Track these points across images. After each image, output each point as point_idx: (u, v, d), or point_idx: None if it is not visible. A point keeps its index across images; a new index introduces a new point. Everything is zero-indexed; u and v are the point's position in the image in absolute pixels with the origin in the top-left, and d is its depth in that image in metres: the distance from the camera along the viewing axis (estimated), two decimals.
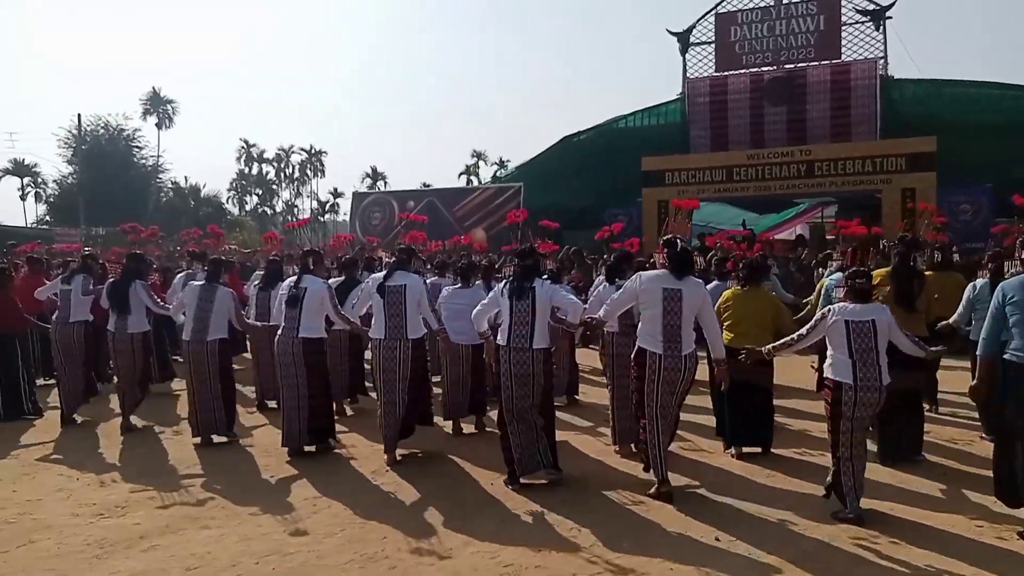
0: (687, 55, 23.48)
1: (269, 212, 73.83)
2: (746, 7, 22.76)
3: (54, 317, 8.48)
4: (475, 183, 68.11)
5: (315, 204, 79.26)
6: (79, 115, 44.36)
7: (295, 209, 78.05)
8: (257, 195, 74.60)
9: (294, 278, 7.12)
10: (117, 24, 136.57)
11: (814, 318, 5.39)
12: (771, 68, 22.64)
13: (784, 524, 5.11)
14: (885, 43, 21.66)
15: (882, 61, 21.73)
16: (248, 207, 73.50)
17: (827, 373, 5.25)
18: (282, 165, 77.03)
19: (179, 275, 10.54)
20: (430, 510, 5.52)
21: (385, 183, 79.02)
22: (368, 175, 79.60)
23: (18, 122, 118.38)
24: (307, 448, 6.95)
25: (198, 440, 7.34)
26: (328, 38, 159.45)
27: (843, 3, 21.82)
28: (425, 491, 5.93)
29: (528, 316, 5.90)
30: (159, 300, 8.04)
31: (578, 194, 23.99)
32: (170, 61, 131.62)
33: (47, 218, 48.80)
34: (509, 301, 5.97)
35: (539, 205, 24.23)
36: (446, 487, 6.04)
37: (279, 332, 6.97)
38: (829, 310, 5.28)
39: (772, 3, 22.43)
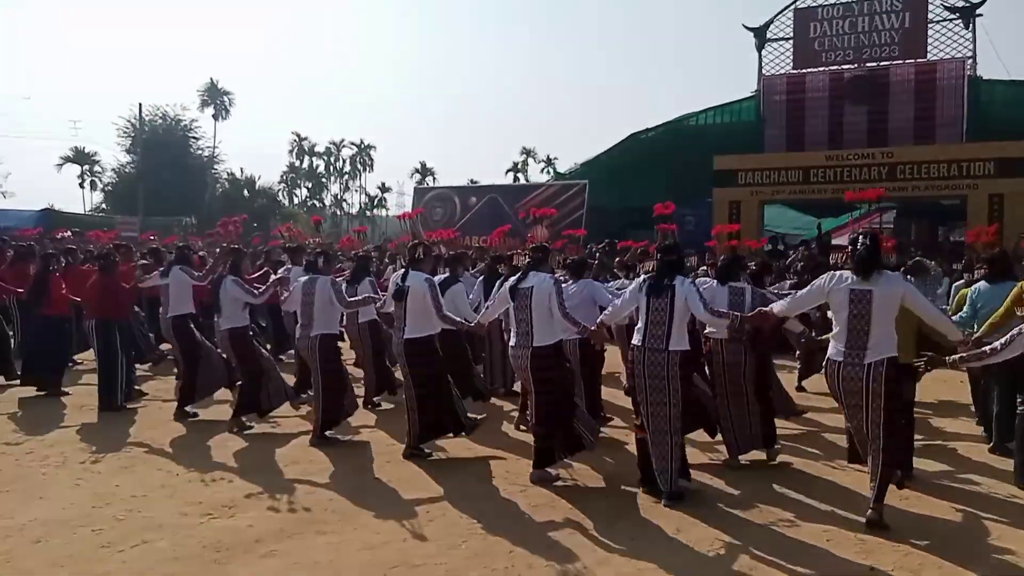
0: (763, 51, 22.76)
1: (318, 205, 74.39)
2: (827, 3, 21.98)
3: (161, 311, 8.32)
4: (522, 180, 67.83)
5: (364, 198, 79.76)
6: (140, 104, 45.08)
7: (344, 203, 78.62)
8: (307, 188, 75.22)
9: (400, 272, 6.79)
10: (176, 15, 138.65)
11: (1013, 331, 4.84)
12: (852, 66, 21.83)
13: None
14: (974, 42, 20.73)
15: (970, 61, 20.79)
16: (298, 200, 74.19)
17: None
18: (332, 159, 77.51)
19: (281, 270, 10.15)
20: (554, 521, 5.13)
21: (434, 178, 79.18)
22: (417, 170, 79.90)
23: (82, 111, 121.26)
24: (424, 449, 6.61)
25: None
26: (381, 32, 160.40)
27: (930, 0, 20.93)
28: (542, 500, 5.53)
29: (665, 316, 5.46)
30: (254, 288, 7.70)
31: (645, 192, 23.37)
32: (227, 53, 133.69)
33: (103, 206, 49.63)
34: (646, 299, 5.54)
35: (605, 203, 23.82)
36: (569, 495, 5.63)
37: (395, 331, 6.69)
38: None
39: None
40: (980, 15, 20.64)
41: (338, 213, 75.56)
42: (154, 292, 9.15)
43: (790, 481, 5.93)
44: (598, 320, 6.10)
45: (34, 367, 8.97)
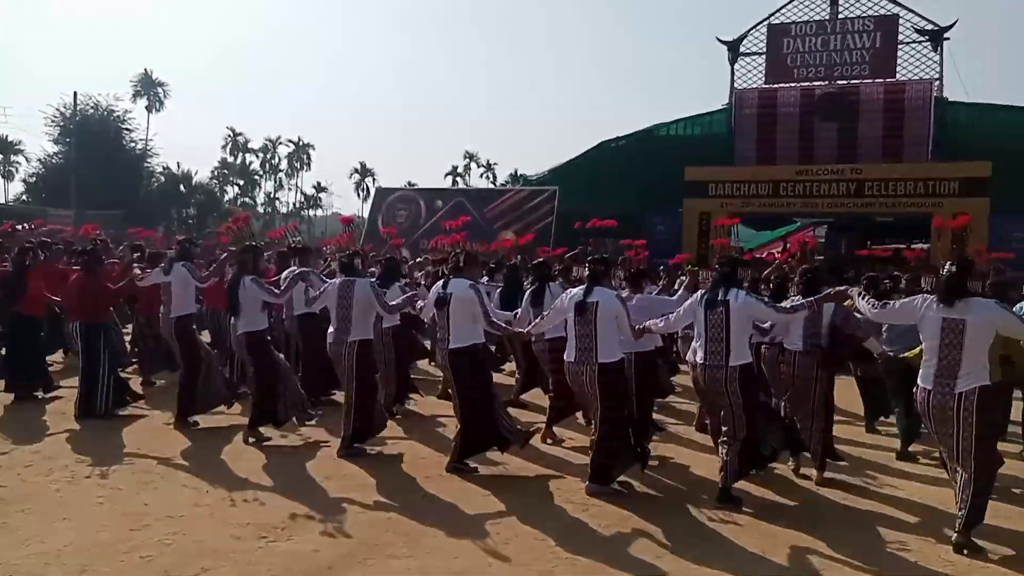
0: (736, 65, 22.90)
1: (250, 203, 71.93)
2: (800, 20, 22.24)
3: (161, 311, 7.60)
4: (460, 184, 67.43)
5: (300, 197, 77.88)
6: (75, 93, 43.05)
7: (276, 202, 76.56)
8: (238, 185, 72.46)
9: (442, 280, 6.35)
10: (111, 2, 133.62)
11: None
12: (823, 83, 22.12)
13: None
14: (941, 64, 21.25)
15: (937, 82, 21.30)
16: (228, 197, 71.63)
17: None
18: (268, 156, 75.29)
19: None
20: (630, 539, 4.79)
21: (374, 179, 78.18)
22: (356, 170, 78.70)
23: (13, 97, 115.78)
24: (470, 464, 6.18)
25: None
26: (323, 29, 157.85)
27: (901, 21, 21.37)
28: (608, 519, 5.17)
29: (722, 331, 5.29)
30: (274, 288, 7.12)
31: (615, 201, 23.28)
32: (161, 44, 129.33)
33: (24, 197, 47.28)
34: (704, 313, 5.38)
35: (574, 211, 23.56)
36: (633, 509, 5.29)
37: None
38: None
39: (827, 17, 21.93)
40: (948, 39, 21.17)
41: (270, 212, 73.57)
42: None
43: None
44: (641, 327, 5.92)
45: (14, 373, 8.18)
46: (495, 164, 75.83)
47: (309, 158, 77.11)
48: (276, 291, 7.02)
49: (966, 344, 4.63)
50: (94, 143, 43.35)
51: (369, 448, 6.61)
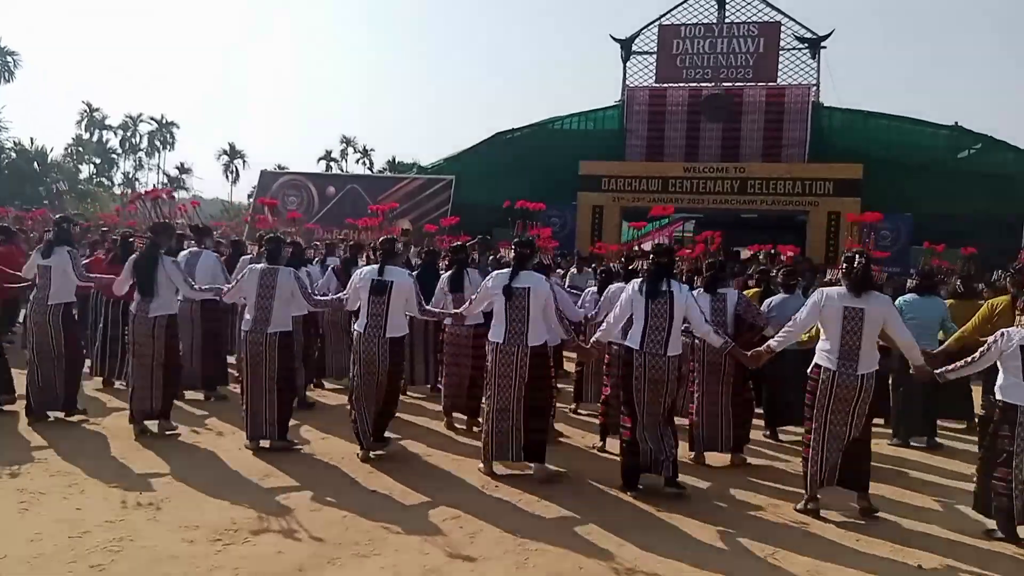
0: (628, 63, 23.51)
1: (107, 183, 67.27)
2: (689, 22, 23.08)
3: (31, 296, 6.91)
4: (335, 169, 65.89)
5: (164, 179, 73.67)
6: None
7: (136, 183, 72.07)
8: (95, 164, 67.62)
9: (374, 267, 6.17)
10: None
11: (988, 342, 5.19)
12: (709, 84, 23.06)
13: None
14: (818, 71, 22.60)
15: (814, 88, 22.63)
16: (82, 176, 66.82)
17: (1001, 396, 5.06)
18: (128, 134, 70.72)
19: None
20: (588, 527, 4.83)
21: (244, 162, 75.21)
22: (225, 152, 75.32)
23: None
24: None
25: (253, 444, 6.21)
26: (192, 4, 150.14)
27: (782, 29, 22.55)
28: (572, 508, 5.20)
29: (665, 321, 5.43)
30: (191, 281, 6.69)
31: (510, 192, 23.35)
32: (10, 10, 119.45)
33: None
34: (645, 302, 5.47)
35: (468, 201, 23.58)
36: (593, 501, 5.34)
37: (363, 329, 6.04)
38: (1003, 334, 5.10)
39: (715, 21, 22.86)
40: (824, 47, 22.52)
41: (128, 193, 69.19)
42: None
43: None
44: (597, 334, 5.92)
45: None
46: (372, 150, 74.32)
47: (172, 137, 72.90)
48: (192, 282, 6.65)
49: (865, 331, 5.06)
50: None
51: (297, 444, 6.38)
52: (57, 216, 7.68)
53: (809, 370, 5.37)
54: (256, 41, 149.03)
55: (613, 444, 6.50)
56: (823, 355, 5.25)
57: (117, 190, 66.01)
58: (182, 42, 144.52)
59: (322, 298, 6.71)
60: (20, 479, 5.23)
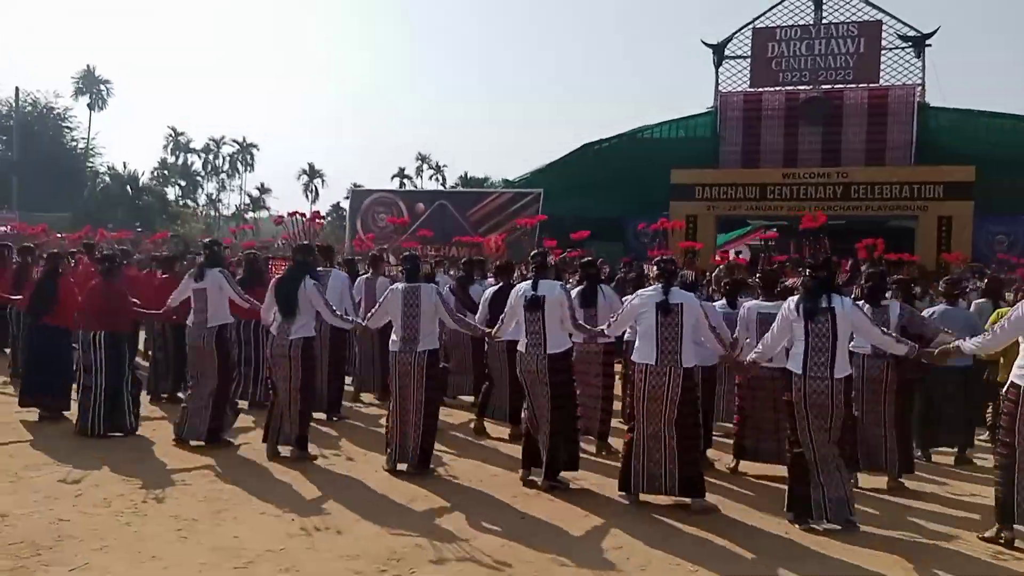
0: (721, 68, 22.93)
1: (192, 205, 69.44)
2: (785, 24, 22.37)
3: (189, 321, 6.93)
4: (408, 186, 66.67)
5: (246, 199, 75.83)
6: (16, 88, 41.24)
7: (219, 204, 74.28)
8: (180, 186, 69.84)
9: (527, 283, 5.90)
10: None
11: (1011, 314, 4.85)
12: (807, 87, 22.28)
13: None
14: (923, 70, 21.58)
15: (919, 88, 21.61)
16: (169, 198, 69.03)
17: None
18: (210, 156, 72.93)
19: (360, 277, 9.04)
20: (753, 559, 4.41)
21: (323, 181, 76.89)
22: (305, 172, 77.09)
23: None
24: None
25: (390, 466, 6.03)
26: (270, 27, 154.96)
27: (884, 27, 21.64)
28: (733, 538, 4.81)
29: (828, 340, 4.97)
30: (332, 306, 6.57)
31: (600, 204, 23.10)
32: (103, 41, 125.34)
33: None
34: (804, 322, 5.02)
35: (558, 213, 23.29)
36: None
37: (524, 348, 5.79)
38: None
39: (812, 22, 22.10)
40: (930, 45, 21.50)
41: (212, 214, 71.34)
42: None
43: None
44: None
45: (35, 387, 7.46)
46: (445, 166, 75.33)
47: (252, 158, 75.04)
48: (335, 308, 6.52)
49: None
50: (31, 142, 41.61)
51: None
52: (207, 239, 7.74)
53: (1005, 390, 4.85)
54: (329, 62, 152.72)
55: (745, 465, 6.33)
56: None
57: (201, 211, 68.38)
58: (258, 66, 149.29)
59: (465, 320, 6.48)
60: (169, 504, 5.12)
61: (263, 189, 75.87)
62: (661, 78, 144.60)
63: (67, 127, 46.79)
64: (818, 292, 5.02)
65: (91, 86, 59.50)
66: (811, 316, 4.97)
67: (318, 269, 8.09)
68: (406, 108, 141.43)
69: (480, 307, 7.25)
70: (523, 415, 5.98)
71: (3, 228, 25.18)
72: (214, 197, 73.39)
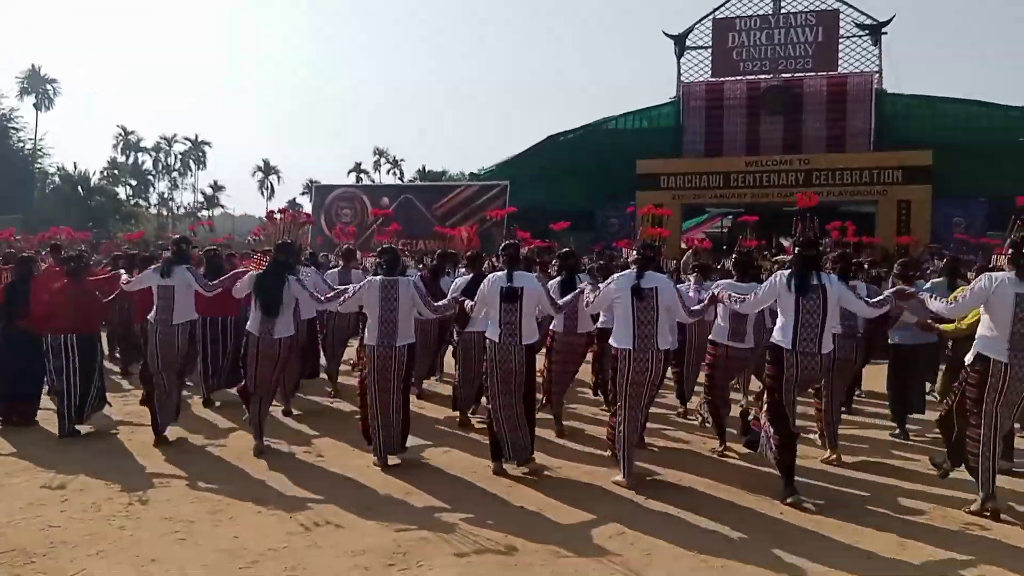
0: (683, 59, 23.09)
1: (144, 204, 67.70)
2: (744, 14, 22.60)
3: (151, 317, 6.77)
4: (365, 180, 66.24)
5: (200, 197, 74.50)
6: None
7: (171, 203, 72.83)
8: (131, 186, 68.10)
9: (501, 274, 5.87)
10: None
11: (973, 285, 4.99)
12: (768, 76, 22.56)
13: None
14: (880, 57, 21.97)
15: (877, 75, 22.00)
16: (119, 198, 67.20)
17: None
18: (162, 155, 71.27)
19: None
20: (758, 539, 4.47)
21: (279, 177, 76.11)
22: (260, 168, 76.14)
23: None
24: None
25: (381, 462, 5.97)
26: (219, 23, 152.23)
27: (841, 16, 21.98)
28: (730, 521, 4.86)
29: (818, 317, 5.10)
30: (312, 291, 6.48)
31: (566, 195, 23.17)
32: (48, 40, 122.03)
33: None
34: (795, 297, 5.14)
35: (524, 205, 23.26)
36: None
37: (497, 338, 5.76)
38: (991, 277, 4.86)
39: (771, 12, 22.36)
40: (885, 33, 21.89)
41: (164, 213, 69.92)
42: None
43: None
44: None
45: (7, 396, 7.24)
46: (402, 160, 75.12)
47: (204, 156, 73.62)
48: (316, 293, 6.42)
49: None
50: None
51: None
52: (176, 237, 7.58)
53: (970, 362, 4.97)
54: (282, 55, 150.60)
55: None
56: (989, 345, 4.85)
57: (153, 210, 66.90)
58: (208, 61, 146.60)
59: (440, 304, 6.42)
60: (160, 506, 5.00)
61: (216, 187, 74.67)
62: (622, 70, 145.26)
63: (13, 128, 45.33)
64: (809, 269, 5.15)
65: (37, 85, 57.81)
66: (803, 292, 5.09)
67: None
68: (361, 103, 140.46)
69: (448, 295, 7.21)
70: (488, 407, 5.94)
71: None
72: (166, 196, 71.83)
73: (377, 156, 74.93)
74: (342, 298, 6.29)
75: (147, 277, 6.80)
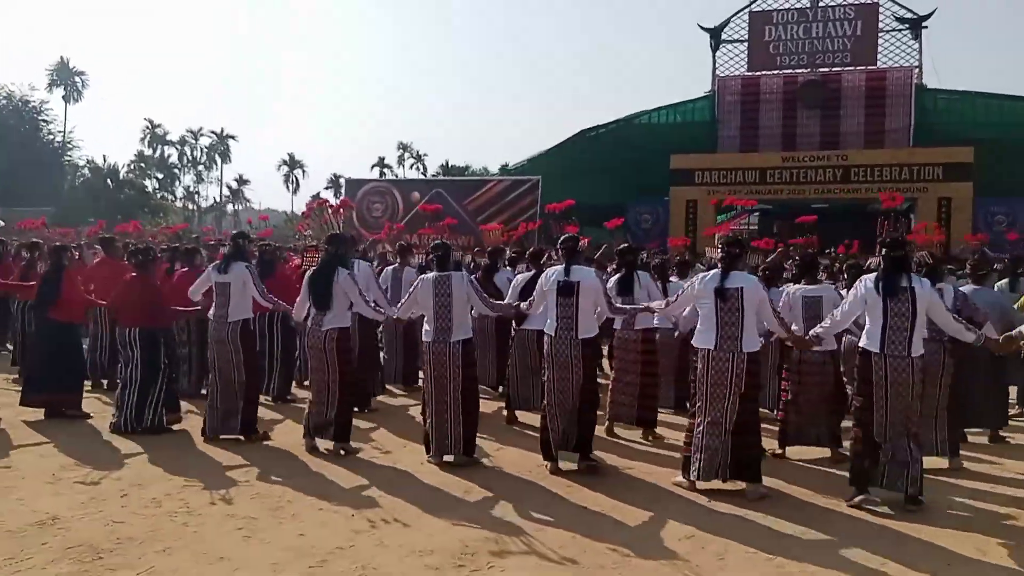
0: (718, 52, 22.80)
1: (169, 198, 68.14)
2: (782, 7, 22.27)
3: (211, 314, 6.66)
4: (388, 175, 66.32)
5: (225, 191, 75.02)
6: None
7: (196, 196, 73.35)
8: (157, 179, 68.50)
9: (559, 268, 5.75)
10: None
11: None
12: (805, 70, 22.21)
13: None
14: (920, 52, 21.56)
15: (917, 70, 21.60)
16: (147, 191, 67.56)
17: None
18: (187, 148, 71.65)
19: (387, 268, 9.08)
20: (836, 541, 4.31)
21: (304, 171, 76.50)
22: (285, 162, 76.53)
23: None
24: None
25: (436, 459, 5.88)
26: (246, 17, 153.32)
27: (881, 10, 21.58)
28: (800, 521, 4.71)
29: (907, 320, 4.93)
30: (367, 296, 6.37)
31: (598, 190, 22.87)
32: (76, 32, 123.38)
33: None
34: (883, 300, 4.97)
35: (555, 200, 23.12)
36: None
37: (553, 332, 5.64)
38: None
39: (808, 5, 22.00)
40: (926, 27, 21.48)
41: (189, 206, 70.42)
42: None
43: None
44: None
45: (41, 384, 7.22)
46: (425, 155, 75.30)
47: (229, 150, 73.98)
48: (367, 298, 6.34)
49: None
50: (9, 135, 40.65)
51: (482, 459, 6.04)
52: (234, 232, 7.54)
53: None
54: (307, 51, 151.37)
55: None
56: None
57: (179, 203, 67.45)
58: (236, 55, 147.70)
59: (500, 303, 6.36)
60: (221, 503, 4.94)
61: (241, 180, 75.20)
62: (656, 63, 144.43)
63: (43, 120, 45.73)
64: (897, 271, 4.99)
65: (66, 78, 58.39)
66: (891, 294, 4.93)
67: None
68: (386, 96, 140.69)
69: (510, 294, 7.14)
70: (543, 403, 5.84)
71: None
72: (191, 189, 72.38)
73: (401, 151, 75.16)
74: (398, 306, 6.24)
75: (207, 277, 6.74)
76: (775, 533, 4.60)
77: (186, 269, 8.02)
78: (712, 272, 5.42)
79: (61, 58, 58.32)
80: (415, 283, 6.12)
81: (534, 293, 5.93)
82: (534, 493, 5.28)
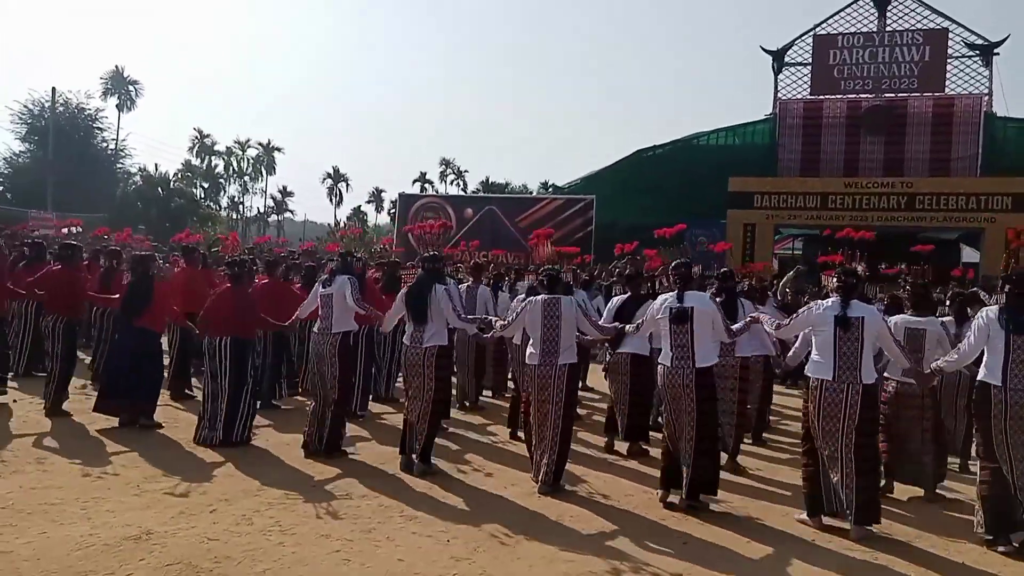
0: (780, 75, 22.47)
1: (215, 208, 69.09)
2: (847, 31, 21.88)
3: (316, 328, 6.62)
4: (429, 191, 66.59)
5: (269, 202, 75.96)
6: (53, 89, 41.04)
7: (240, 206, 74.21)
8: (203, 188, 69.55)
9: (672, 294, 5.52)
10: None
11: None
12: (869, 96, 21.76)
13: None
14: (991, 79, 21.00)
15: (987, 98, 21.05)
16: (196, 200, 68.40)
17: None
18: (235, 159, 72.66)
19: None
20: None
21: (348, 185, 77.25)
22: (329, 175, 77.37)
23: None
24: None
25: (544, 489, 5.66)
26: (296, 30, 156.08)
27: (951, 36, 21.10)
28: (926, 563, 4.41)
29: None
30: (460, 310, 6.25)
31: (652, 211, 22.64)
32: (130, 41, 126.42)
33: None
34: (1005, 334, 4.76)
35: (608, 220, 22.91)
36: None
37: (669, 362, 5.40)
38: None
39: (875, 30, 21.59)
40: (998, 54, 20.93)
41: (234, 216, 71.35)
42: None
43: None
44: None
45: (119, 392, 7.16)
46: (466, 172, 75.78)
47: (275, 161, 74.97)
48: (463, 313, 6.23)
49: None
50: (65, 142, 41.47)
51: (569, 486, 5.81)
52: (342, 251, 7.57)
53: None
54: (352, 67, 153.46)
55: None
56: None
57: (224, 214, 68.41)
58: (279, 71, 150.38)
59: (608, 326, 6.20)
60: (312, 522, 4.75)
61: (285, 192, 76.09)
62: (717, 85, 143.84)
63: (98, 128, 46.68)
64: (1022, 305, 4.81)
65: (120, 87, 59.63)
66: (1019, 330, 4.73)
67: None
68: (431, 112, 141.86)
69: (605, 315, 6.94)
70: (663, 433, 5.63)
71: (44, 231, 25.07)
72: (236, 199, 73.41)
73: (443, 167, 75.62)
74: (506, 321, 6.11)
75: (315, 293, 6.77)
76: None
77: (266, 280, 8.00)
78: (830, 300, 5.18)
79: (116, 67, 59.57)
80: (523, 304, 6.01)
81: (644, 318, 5.77)
82: (631, 523, 5.06)
